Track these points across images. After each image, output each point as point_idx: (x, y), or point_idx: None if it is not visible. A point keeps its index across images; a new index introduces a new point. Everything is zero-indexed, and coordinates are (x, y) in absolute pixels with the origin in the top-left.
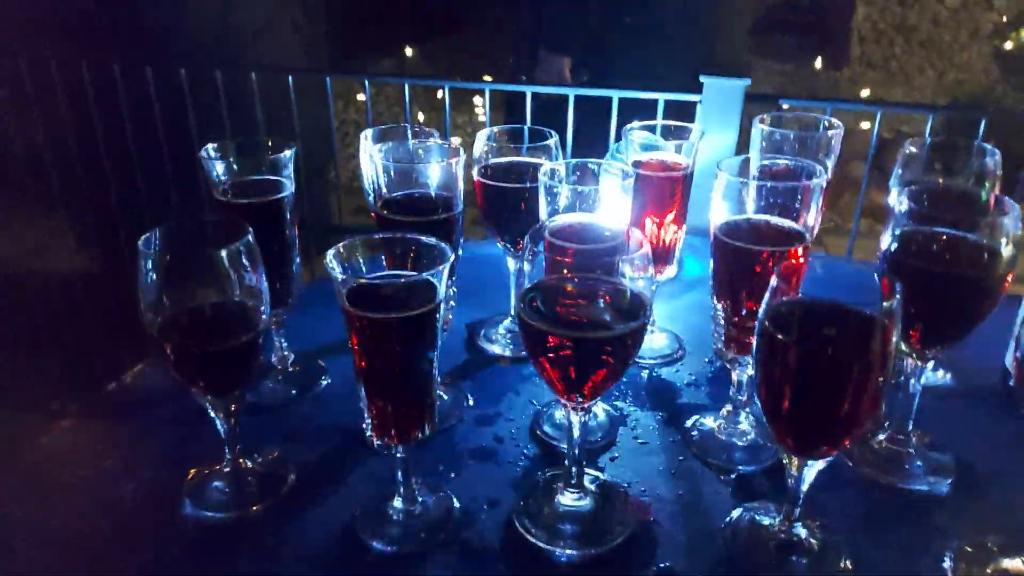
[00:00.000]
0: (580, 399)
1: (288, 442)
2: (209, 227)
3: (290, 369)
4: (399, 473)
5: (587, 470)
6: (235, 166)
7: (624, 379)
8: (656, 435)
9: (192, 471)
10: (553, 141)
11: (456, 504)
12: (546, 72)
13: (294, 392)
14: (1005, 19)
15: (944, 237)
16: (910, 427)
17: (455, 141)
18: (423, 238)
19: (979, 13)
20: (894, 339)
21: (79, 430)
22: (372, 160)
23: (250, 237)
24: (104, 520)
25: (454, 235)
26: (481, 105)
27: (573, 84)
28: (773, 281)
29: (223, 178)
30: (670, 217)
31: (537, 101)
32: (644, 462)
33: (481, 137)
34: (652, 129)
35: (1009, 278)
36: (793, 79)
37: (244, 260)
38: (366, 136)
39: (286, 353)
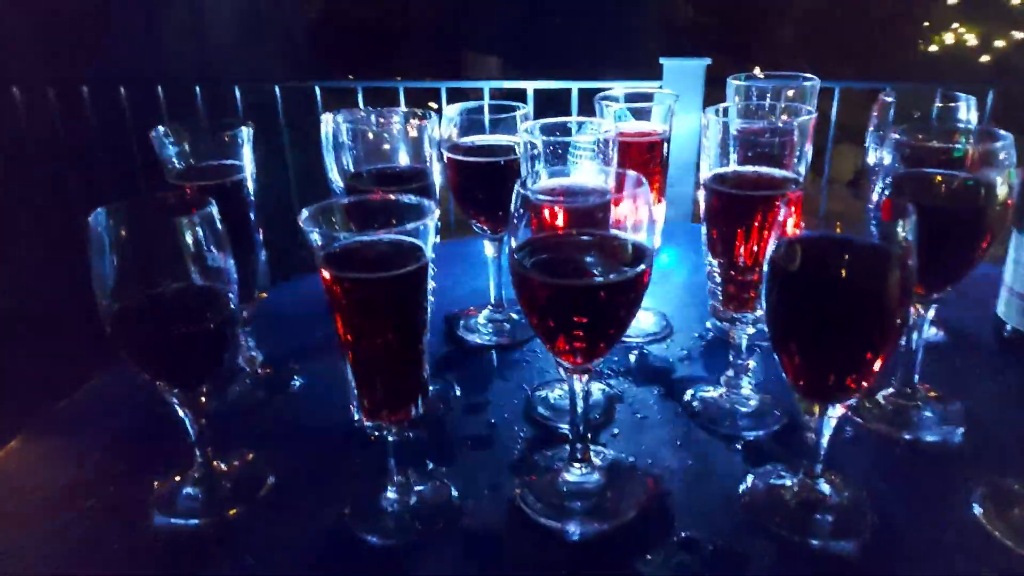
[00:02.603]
0: (585, 358)
1: (263, 445)
2: (168, 201)
3: (259, 371)
4: (391, 460)
5: (591, 446)
6: (188, 149)
7: (615, 358)
8: (656, 409)
9: (158, 481)
10: (521, 112)
11: (454, 492)
12: (475, 73)
13: (264, 394)
14: None
15: (939, 177)
16: (916, 380)
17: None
18: (402, 197)
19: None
20: (911, 264)
21: (27, 451)
22: (338, 135)
23: (212, 209)
24: (63, 542)
25: None
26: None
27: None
28: (780, 218)
29: (176, 163)
30: (652, 188)
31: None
32: (647, 436)
33: (450, 112)
34: (616, 100)
35: (1009, 206)
36: None
37: (207, 235)
38: (327, 120)
39: (254, 354)
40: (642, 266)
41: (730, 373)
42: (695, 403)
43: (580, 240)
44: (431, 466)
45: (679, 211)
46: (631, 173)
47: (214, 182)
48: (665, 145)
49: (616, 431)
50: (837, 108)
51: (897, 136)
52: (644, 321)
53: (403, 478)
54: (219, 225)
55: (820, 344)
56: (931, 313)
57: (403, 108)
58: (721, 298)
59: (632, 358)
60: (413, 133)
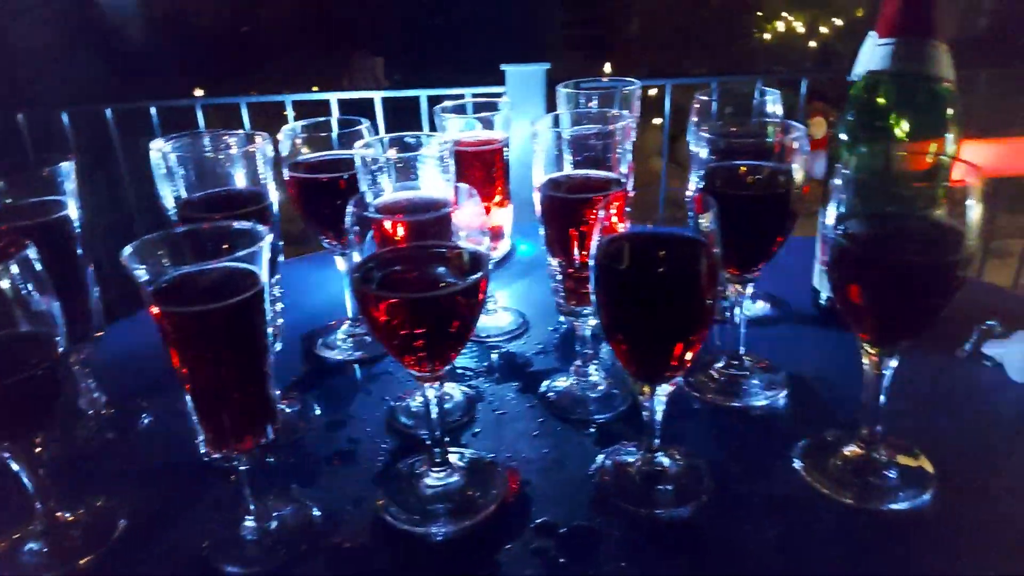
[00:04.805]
0: (433, 367)
1: (114, 488)
2: None
3: (103, 412)
4: (246, 489)
5: (450, 448)
6: (4, 188)
7: (476, 358)
8: (513, 404)
9: None
10: (365, 127)
11: (316, 512)
12: (360, 74)
13: (112, 436)
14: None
15: (744, 168)
16: (742, 351)
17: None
18: (233, 223)
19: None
20: (716, 251)
21: None
22: (168, 162)
23: (29, 252)
24: None
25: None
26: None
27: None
28: (600, 219)
29: None
30: (495, 194)
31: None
32: (506, 430)
33: (286, 133)
34: (462, 109)
35: (805, 191)
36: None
37: (26, 279)
38: (155, 147)
39: (96, 395)
40: (478, 274)
41: (579, 362)
42: (550, 394)
43: (417, 254)
44: (296, 481)
45: (531, 212)
46: (463, 185)
47: (34, 221)
48: (505, 151)
49: (477, 430)
50: (669, 102)
51: (706, 133)
52: (502, 320)
53: (261, 505)
54: (39, 268)
55: (640, 330)
56: (749, 290)
57: (244, 130)
58: (563, 294)
59: (493, 357)
60: (246, 153)
